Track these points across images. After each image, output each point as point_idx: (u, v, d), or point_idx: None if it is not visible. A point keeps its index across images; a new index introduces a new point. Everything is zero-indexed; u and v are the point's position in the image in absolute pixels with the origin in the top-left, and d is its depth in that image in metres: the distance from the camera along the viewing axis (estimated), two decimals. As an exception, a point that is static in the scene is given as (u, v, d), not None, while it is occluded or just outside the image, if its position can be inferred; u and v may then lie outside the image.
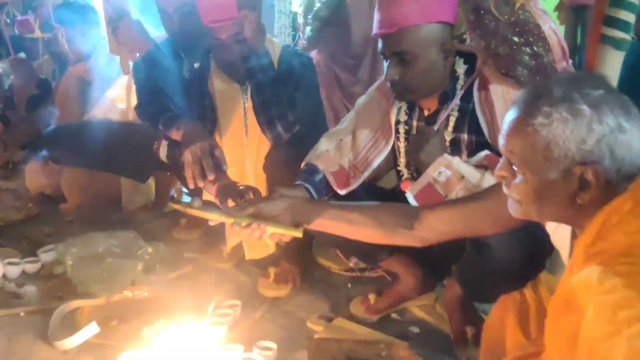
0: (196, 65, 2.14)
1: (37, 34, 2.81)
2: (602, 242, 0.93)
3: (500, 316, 1.42)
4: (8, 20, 3.38)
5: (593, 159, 0.92)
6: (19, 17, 3.22)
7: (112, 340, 1.63)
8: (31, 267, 2.11)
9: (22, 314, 1.81)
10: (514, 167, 1.00)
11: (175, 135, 1.92)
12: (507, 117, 1.00)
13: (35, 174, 2.93)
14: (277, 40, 2.81)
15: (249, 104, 2.01)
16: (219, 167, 1.74)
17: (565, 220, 1.03)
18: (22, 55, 3.40)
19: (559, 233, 1.15)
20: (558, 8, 3.00)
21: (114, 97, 2.63)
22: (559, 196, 0.97)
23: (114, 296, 1.90)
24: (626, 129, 0.91)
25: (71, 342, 1.60)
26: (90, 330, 1.62)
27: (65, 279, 2.00)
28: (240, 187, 1.61)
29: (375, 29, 1.61)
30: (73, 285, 1.94)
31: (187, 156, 1.76)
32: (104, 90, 2.66)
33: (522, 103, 0.98)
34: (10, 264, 2.08)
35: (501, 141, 1.02)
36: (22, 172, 3.04)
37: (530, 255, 1.38)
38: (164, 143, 2.21)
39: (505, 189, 1.04)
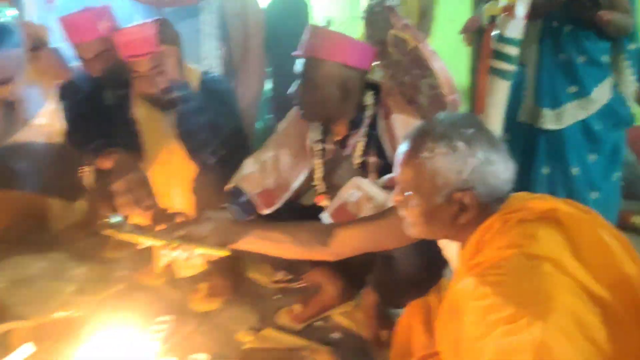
0: (117, 93, 2.20)
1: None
2: (478, 256, 1.11)
3: (408, 320, 1.60)
4: None
5: (469, 186, 1.10)
6: None
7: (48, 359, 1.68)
8: (-42, 293, 2.09)
9: (-50, 340, 1.81)
10: (407, 193, 1.18)
11: (105, 164, 1.98)
12: (399, 150, 1.18)
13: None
14: (207, 61, 2.90)
15: (174, 130, 2.08)
16: (149, 197, 1.83)
17: (451, 237, 1.22)
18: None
19: (448, 248, 1.35)
20: (463, 31, 3.25)
21: (39, 121, 2.63)
22: (444, 217, 1.15)
23: (45, 317, 1.93)
24: (494, 160, 1.10)
25: (5, 364, 1.64)
26: (24, 350, 1.65)
27: (-4, 302, 2.01)
28: (170, 213, 1.70)
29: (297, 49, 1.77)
30: (5, 308, 1.96)
31: (119, 186, 1.84)
32: (29, 113, 2.65)
33: (411, 138, 1.16)
34: None
35: (396, 170, 1.19)
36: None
37: (427, 265, 1.56)
38: (88, 169, 2.25)
39: (400, 212, 1.21)
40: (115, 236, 1.53)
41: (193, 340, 1.90)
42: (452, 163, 1.09)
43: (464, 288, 1.05)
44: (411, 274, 1.57)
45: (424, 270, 1.56)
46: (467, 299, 1.04)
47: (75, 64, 2.22)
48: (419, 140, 1.13)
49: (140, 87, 2.01)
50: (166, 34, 1.94)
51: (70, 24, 2.13)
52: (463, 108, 1.94)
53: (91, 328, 1.84)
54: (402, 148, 1.17)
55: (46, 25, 2.32)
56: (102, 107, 2.17)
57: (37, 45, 2.08)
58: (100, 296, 2.14)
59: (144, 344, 1.74)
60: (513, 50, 1.93)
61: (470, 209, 1.12)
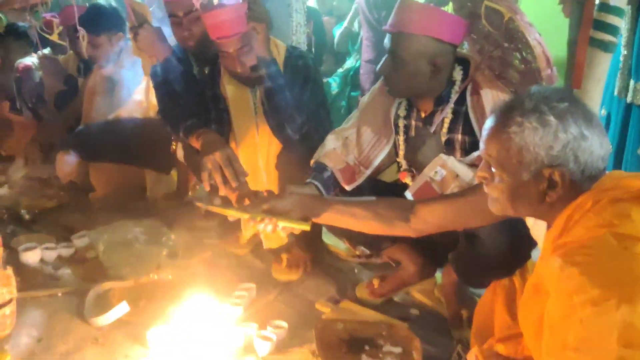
0: (205, 70, 2.27)
1: (54, 37, 2.95)
2: (566, 235, 1.07)
3: (490, 300, 1.57)
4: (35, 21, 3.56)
5: (559, 162, 1.05)
6: (46, 16, 3.41)
7: (141, 318, 1.80)
8: (66, 252, 2.30)
9: (59, 294, 1.99)
10: (492, 169, 1.14)
11: (195, 143, 2.07)
12: (486, 125, 1.14)
13: (64, 164, 3.11)
14: (295, 37, 2.95)
15: (260, 106, 2.13)
16: (238, 176, 1.90)
17: (538, 215, 1.18)
18: (48, 51, 3.58)
19: (536, 227, 1.30)
20: (562, 1, 3.05)
21: (137, 97, 2.80)
22: (531, 195, 1.11)
23: (142, 279, 2.07)
24: (587, 136, 1.05)
25: (104, 319, 1.78)
26: (121, 309, 1.79)
27: (97, 263, 2.20)
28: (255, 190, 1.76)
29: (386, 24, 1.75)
30: (104, 269, 2.14)
31: (206, 164, 1.92)
32: (129, 89, 2.83)
33: (498, 113, 1.12)
34: (47, 249, 2.26)
35: (481, 145, 1.16)
36: (53, 161, 3.23)
37: (515, 246, 1.51)
38: (180, 145, 2.36)
39: (485, 188, 1.18)
40: (205, 208, 1.61)
41: (274, 308, 1.97)
42: (542, 138, 1.05)
43: (550, 268, 1.02)
44: (496, 254, 1.53)
45: (510, 251, 1.51)
46: (552, 279, 1.01)
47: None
48: (507, 114, 1.09)
49: (227, 66, 2.06)
50: (255, 11, 1.97)
51: None
52: (559, 84, 1.83)
53: (180, 291, 1.96)
54: (489, 122, 1.13)
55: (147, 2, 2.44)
56: (192, 86, 2.25)
57: (140, 23, 2.19)
58: (190, 261, 2.26)
59: (228, 308, 1.83)
60: (617, 20, 1.80)
61: (559, 186, 1.07)
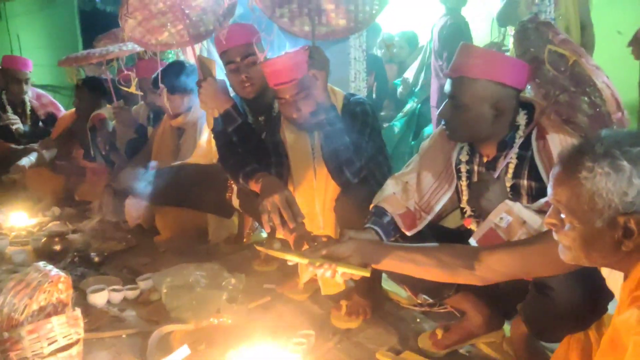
0: (260, 119, 2.33)
1: (133, 89, 3.15)
2: (643, 287, 1.00)
3: (565, 355, 1.47)
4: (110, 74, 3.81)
5: (635, 209, 1.00)
6: (123, 70, 3.64)
7: (201, 362, 1.81)
8: (131, 294, 2.37)
9: (124, 335, 2.04)
10: (562, 216, 1.09)
11: (254, 187, 2.12)
12: (554, 170, 1.10)
13: (133, 209, 3.25)
14: (354, 84, 3.01)
15: (317, 150, 2.16)
16: (295, 217, 1.92)
17: (613, 265, 1.10)
18: (122, 102, 3.81)
19: (612, 278, 1.22)
20: (632, 44, 2.98)
21: (201, 145, 2.92)
22: (605, 243, 1.05)
23: (202, 322, 2.09)
24: None
25: (166, 362, 1.79)
26: (182, 352, 1.80)
27: (160, 305, 2.24)
28: (314, 235, 1.77)
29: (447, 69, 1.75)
30: (167, 311, 2.17)
31: (266, 206, 1.96)
32: (195, 139, 2.96)
33: (567, 158, 1.08)
34: (113, 290, 2.34)
35: (549, 191, 1.11)
36: (122, 206, 3.38)
37: (590, 298, 1.42)
38: (235, 192, 2.43)
39: (555, 236, 1.13)
40: (265, 252, 1.63)
41: (332, 356, 1.93)
42: (615, 184, 1.00)
43: (627, 320, 0.96)
44: (570, 306, 1.44)
45: (585, 303, 1.43)
46: (629, 332, 0.95)
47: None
48: (577, 158, 1.05)
49: (284, 112, 2.12)
50: (316, 60, 2.03)
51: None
52: (631, 127, 1.75)
53: (240, 336, 1.96)
54: (557, 167, 1.09)
55: (214, 58, 2.56)
56: (251, 132, 2.33)
57: (206, 76, 2.30)
58: (249, 306, 2.27)
59: (286, 356, 1.80)
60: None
61: (636, 234, 1.01)
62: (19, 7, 8.26)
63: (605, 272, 1.25)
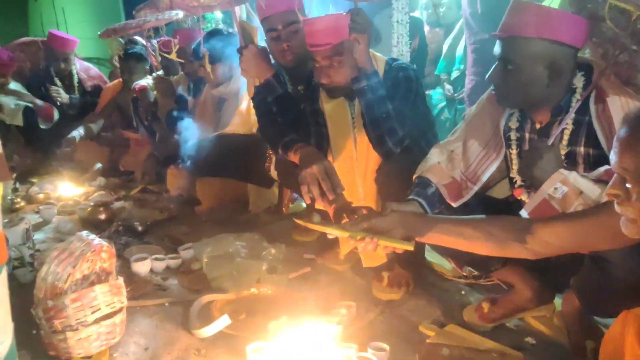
0: (300, 88, 2.28)
1: (173, 56, 3.13)
2: None
3: (621, 331, 1.38)
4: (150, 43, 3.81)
5: None
6: (162, 38, 3.64)
7: (241, 332, 1.80)
8: (173, 263, 2.38)
9: (166, 304, 2.06)
10: (628, 185, 1.00)
11: (293, 157, 2.07)
12: (620, 134, 1.00)
13: (174, 179, 3.28)
14: (397, 48, 2.89)
15: (358, 119, 2.09)
16: (335, 188, 1.87)
17: (684, 240, 1.01)
18: (161, 72, 3.81)
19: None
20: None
21: (241, 115, 2.89)
22: None
23: (243, 292, 2.09)
24: None
25: (207, 331, 1.80)
26: (223, 322, 1.80)
27: (201, 275, 2.25)
28: (355, 207, 1.71)
29: (496, 30, 1.64)
30: (208, 281, 2.18)
31: (305, 177, 1.92)
32: (236, 108, 2.93)
33: (635, 120, 0.98)
34: (156, 259, 2.36)
35: (613, 158, 1.02)
36: (164, 176, 3.41)
37: (651, 273, 1.32)
38: (273, 162, 2.39)
39: (617, 208, 1.03)
40: (304, 225, 1.60)
41: (374, 328, 1.89)
42: None
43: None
44: (628, 281, 1.35)
45: (644, 278, 1.33)
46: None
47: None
48: None
49: (316, 75, 2.06)
50: (358, 23, 1.94)
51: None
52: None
53: (280, 306, 1.94)
54: (624, 132, 0.99)
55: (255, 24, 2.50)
56: (291, 105, 2.27)
57: (246, 43, 2.25)
58: (289, 276, 2.25)
59: (327, 327, 1.78)
60: None
61: None
62: (63, -20, 8.37)
63: (671, 246, 1.15)
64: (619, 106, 1.49)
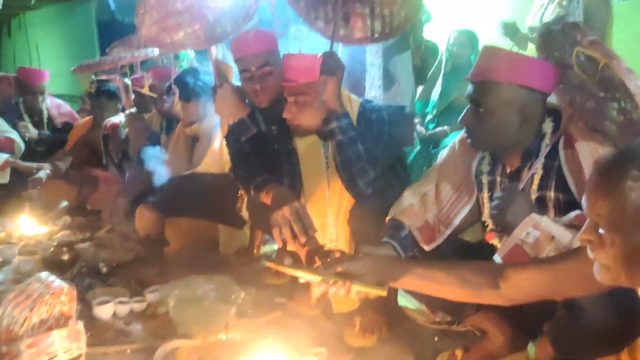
0: (273, 128, 2.28)
1: (145, 90, 3.11)
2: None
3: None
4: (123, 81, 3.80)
5: None
6: (137, 75, 3.62)
7: (208, 380, 1.73)
8: (138, 307, 2.29)
9: (128, 351, 1.96)
10: (601, 231, 0.99)
11: (265, 198, 2.05)
12: (591, 180, 1.00)
13: (143, 218, 3.19)
14: (371, 90, 2.93)
15: (331, 159, 2.08)
16: (307, 231, 1.84)
17: (658, 287, 1.00)
18: (134, 110, 3.78)
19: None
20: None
21: (213, 153, 2.86)
22: None
23: (210, 338, 2.00)
24: None
25: (171, 380, 1.72)
26: (187, 370, 1.73)
27: (167, 319, 2.16)
28: (327, 250, 1.69)
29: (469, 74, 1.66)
30: (174, 326, 2.09)
31: (276, 219, 1.89)
32: (209, 144, 2.90)
33: (607, 166, 0.98)
34: (120, 303, 2.27)
35: (585, 204, 1.01)
36: (133, 216, 3.32)
37: (625, 320, 1.31)
38: (245, 203, 2.36)
39: (590, 254, 1.02)
40: (275, 268, 1.56)
41: (347, 376, 1.83)
42: None
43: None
44: (602, 329, 1.33)
45: (617, 325, 1.31)
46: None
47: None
48: (620, 167, 0.95)
49: (284, 111, 2.04)
50: (327, 64, 1.96)
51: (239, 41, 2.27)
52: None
53: (249, 352, 1.87)
54: (596, 177, 0.99)
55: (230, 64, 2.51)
56: (265, 142, 2.26)
57: (222, 82, 2.25)
58: (259, 321, 2.18)
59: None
60: None
61: None
62: (38, 17, 8.38)
63: (644, 292, 1.15)
64: (587, 152, 1.51)
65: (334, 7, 2.12)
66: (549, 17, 3.07)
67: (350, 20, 2.22)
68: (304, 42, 2.49)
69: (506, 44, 3.29)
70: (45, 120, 4.52)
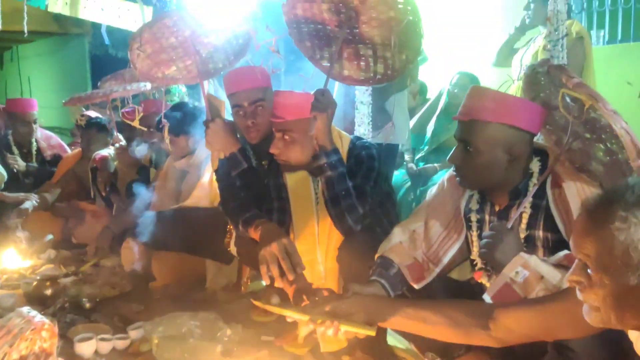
0: (264, 163, 2.28)
1: (136, 123, 3.11)
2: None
3: None
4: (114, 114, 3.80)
5: None
6: (127, 108, 3.63)
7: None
8: (121, 344, 2.23)
9: (110, 390, 1.91)
10: (589, 272, 0.99)
11: (254, 234, 2.04)
12: (580, 221, 1.01)
13: (129, 253, 3.14)
14: (361, 127, 2.96)
15: (321, 195, 2.08)
16: (295, 268, 1.83)
17: (646, 328, 1.00)
18: (124, 143, 3.77)
19: (641, 342, 1.10)
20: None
21: (203, 187, 2.85)
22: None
23: (194, 378, 1.96)
24: None
25: (152, 422, 1.66)
26: (170, 411, 1.67)
27: (150, 357, 2.10)
28: (315, 288, 1.67)
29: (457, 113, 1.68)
30: (157, 364, 2.04)
31: (264, 256, 1.88)
32: (199, 177, 2.89)
33: (595, 207, 0.99)
34: (102, 339, 2.21)
35: (574, 244, 1.01)
36: (118, 250, 3.27)
37: (615, 362, 1.30)
38: (233, 238, 2.34)
39: (579, 295, 1.02)
40: (262, 307, 1.54)
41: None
42: None
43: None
44: (592, 371, 1.32)
45: (608, 368, 1.30)
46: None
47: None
48: (607, 208, 0.95)
49: (272, 148, 2.05)
50: (319, 101, 1.98)
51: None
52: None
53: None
54: (584, 218, 1.00)
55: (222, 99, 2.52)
56: (255, 178, 2.26)
57: (214, 116, 2.26)
58: (245, 359, 2.12)
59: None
60: None
61: None
62: (31, 49, 8.43)
63: (633, 335, 1.14)
64: (574, 192, 1.52)
65: (337, 47, 2.16)
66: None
67: (353, 61, 2.25)
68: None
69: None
70: (34, 152, 4.49)
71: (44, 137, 4.61)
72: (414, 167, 3.82)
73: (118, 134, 3.83)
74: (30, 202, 4.00)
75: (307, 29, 2.26)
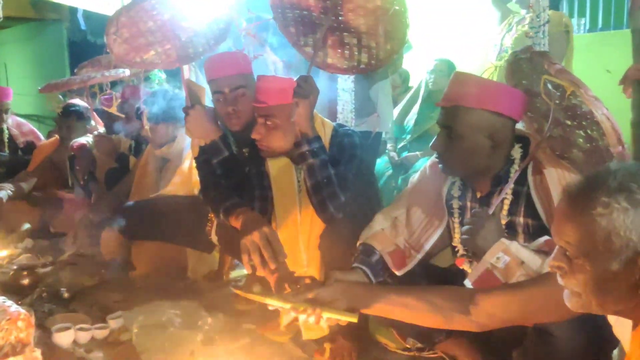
0: (245, 151, 2.26)
1: (113, 110, 3.06)
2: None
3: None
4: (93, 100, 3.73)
5: None
6: (106, 95, 3.57)
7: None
8: (100, 334, 2.20)
9: (89, 380, 1.88)
10: (570, 258, 0.99)
11: (235, 223, 2.01)
12: (561, 207, 1.01)
13: (108, 242, 3.10)
14: (342, 115, 2.94)
15: (303, 183, 2.05)
16: (276, 257, 1.82)
17: (625, 313, 1.00)
18: (103, 130, 3.71)
19: (620, 324, 1.11)
20: (623, 82, 2.95)
21: (182, 175, 2.81)
22: (621, 287, 0.95)
23: (174, 367, 1.94)
24: None
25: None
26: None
27: (130, 346, 2.08)
28: (297, 276, 1.66)
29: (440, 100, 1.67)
30: (137, 353, 2.02)
31: (246, 244, 1.86)
32: (179, 165, 2.85)
33: (576, 193, 0.98)
34: (81, 329, 2.18)
35: (555, 230, 1.01)
36: (98, 239, 3.23)
37: (594, 347, 1.32)
38: (214, 227, 2.32)
39: (560, 280, 1.02)
40: (243, 296, 1.53)
41: (316, 405, 1.78)
42: (634, 221, 0.91)
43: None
44: (572, 355, 1.33)
45: (588, 351, 1.31)
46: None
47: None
48: (589, 193, 0.95)
49: (254, 134, 2.02)
50: (301, 87, 1.96)
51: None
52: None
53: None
54: (565, 204, 0.99)
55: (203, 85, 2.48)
56: (236, 165, 2.23)
57: (194, 103, 2.22)
58: (227, 348, 2.12)
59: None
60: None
61: None
62: (7, 36, 8.23)
63: (612, 319, 1.14)
64: (555, 178, 1.53)
65: (321, 34, 2.13)
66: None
67: (337, 49, 2.23)
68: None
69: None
70: (6, 140, 4.39)
71: (15, 124, 4.52)
72: (396, 157, 3.82)
73: (95, 122, 3.77)
74: (5, 191, 3.92)
75: (291, 15, 2.23)
